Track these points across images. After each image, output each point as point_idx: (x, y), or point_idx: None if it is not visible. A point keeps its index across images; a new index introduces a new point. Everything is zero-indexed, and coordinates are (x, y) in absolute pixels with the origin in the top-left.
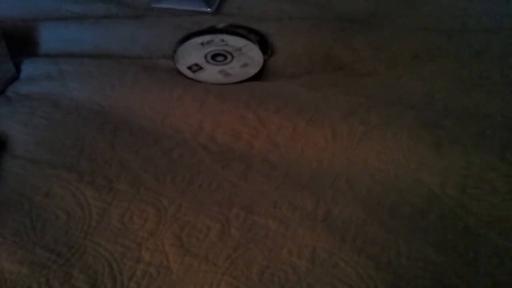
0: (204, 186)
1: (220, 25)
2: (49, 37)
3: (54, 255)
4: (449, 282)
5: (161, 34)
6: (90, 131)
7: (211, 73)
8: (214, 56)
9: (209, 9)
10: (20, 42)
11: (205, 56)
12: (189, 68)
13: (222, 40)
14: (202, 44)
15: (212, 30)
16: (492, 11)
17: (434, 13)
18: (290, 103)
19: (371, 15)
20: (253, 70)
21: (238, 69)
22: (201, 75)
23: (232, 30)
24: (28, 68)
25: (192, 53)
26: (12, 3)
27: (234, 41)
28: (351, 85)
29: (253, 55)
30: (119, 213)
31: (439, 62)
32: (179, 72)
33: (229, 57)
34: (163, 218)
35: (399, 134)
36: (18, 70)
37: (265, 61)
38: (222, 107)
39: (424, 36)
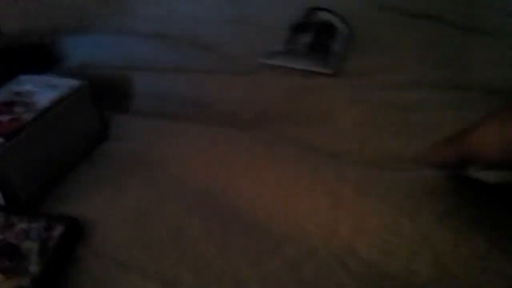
0: None
1: None
2: (145, 90)
3: None
4: None
5: (276, 96)
6: (194, 225)
7: None
8: None
9: (329, 70)
10: (111, 94)
11: None
12: None
13: None
14: None
15: None
16: None
17: None
18: (459, 211)
19: None
20: None
21: None
22: None
23: None
24: (118, 127)
25: None
26: (104, 48)
27: None
28: None
29: None
30: None
31: None
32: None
33: None
34: None
35: None
36: (107, 129)
37: None
38: (363, 206)
39: None
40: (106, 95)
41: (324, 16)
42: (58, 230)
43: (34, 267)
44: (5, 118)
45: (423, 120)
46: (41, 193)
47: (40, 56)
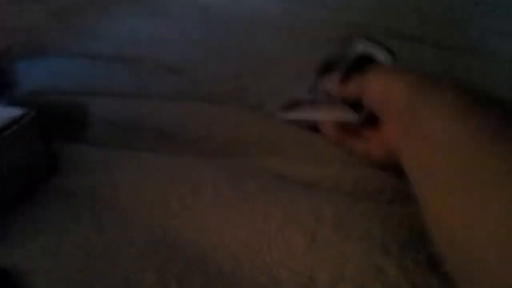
0: None
1: None
2: (103, 117)
3: None
4: None
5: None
6: (146, 277)
7: None
8: None
9: (355, 118)
10: (61, 121)
11: None
12: None
13: None
14: None
15: None
16: None
17: None
18: None
19: None
20: None
21: None
22: None
23: None
24: (70, 159)
25: None
26: (58, 72)
27: None
28: None
29: None
30: None
31: None
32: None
33: None
34: None
35: None
36: (55, 161)
37: None
38: (343, 248)
39: None
40: (59, 124)
41: (360, 47)
42: None
43: None
44: None
45: None
46: None
47: None
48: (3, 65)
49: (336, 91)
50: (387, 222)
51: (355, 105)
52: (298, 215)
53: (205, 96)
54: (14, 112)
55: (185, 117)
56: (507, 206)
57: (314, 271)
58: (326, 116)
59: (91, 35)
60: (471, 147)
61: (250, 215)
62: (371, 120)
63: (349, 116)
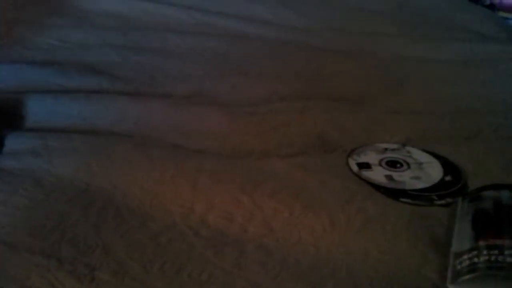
0: (194, 275)
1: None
2: (36, 110)
3: None
4: None
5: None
6: (74, 213)
7: (377, 174)
8: (389, 162)
9: None
10: (5, 115)
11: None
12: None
13: (408, 152)
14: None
15: None
16: (481, 94)
17: (423, 95)
18: (287, 187)
19: (360, 95)
20: (421, 185)
21: (406, 178)
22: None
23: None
24: (12, 142)
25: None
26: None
27: (420, 156)
28: (345, 169)
29: (432, 172)
30: None
31: (431, 146)
32: None
33: (404, 166)
34: None
35: (397, 228)
36: (1, 145)
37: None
38: (215, 189)
39: (414, 119)
40: (1, 117)
41: None
42: None
43: None
44: None
45: (273, 122)
46: None
47: None
48: None
49: None
50: (247, 171)
51: None
52: (185, 169)
53: (121, 89)
54: None
55: (105, 106)
56: None
57: (194, 203)
58: None
59: (25, 45)
60: None
61: (150, 170)
62: None
63: None
